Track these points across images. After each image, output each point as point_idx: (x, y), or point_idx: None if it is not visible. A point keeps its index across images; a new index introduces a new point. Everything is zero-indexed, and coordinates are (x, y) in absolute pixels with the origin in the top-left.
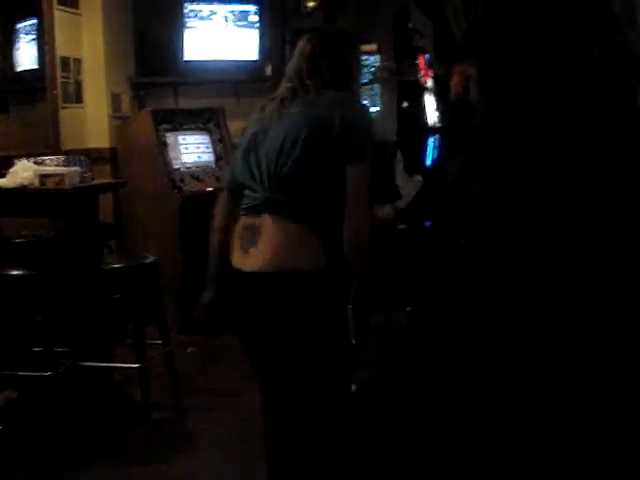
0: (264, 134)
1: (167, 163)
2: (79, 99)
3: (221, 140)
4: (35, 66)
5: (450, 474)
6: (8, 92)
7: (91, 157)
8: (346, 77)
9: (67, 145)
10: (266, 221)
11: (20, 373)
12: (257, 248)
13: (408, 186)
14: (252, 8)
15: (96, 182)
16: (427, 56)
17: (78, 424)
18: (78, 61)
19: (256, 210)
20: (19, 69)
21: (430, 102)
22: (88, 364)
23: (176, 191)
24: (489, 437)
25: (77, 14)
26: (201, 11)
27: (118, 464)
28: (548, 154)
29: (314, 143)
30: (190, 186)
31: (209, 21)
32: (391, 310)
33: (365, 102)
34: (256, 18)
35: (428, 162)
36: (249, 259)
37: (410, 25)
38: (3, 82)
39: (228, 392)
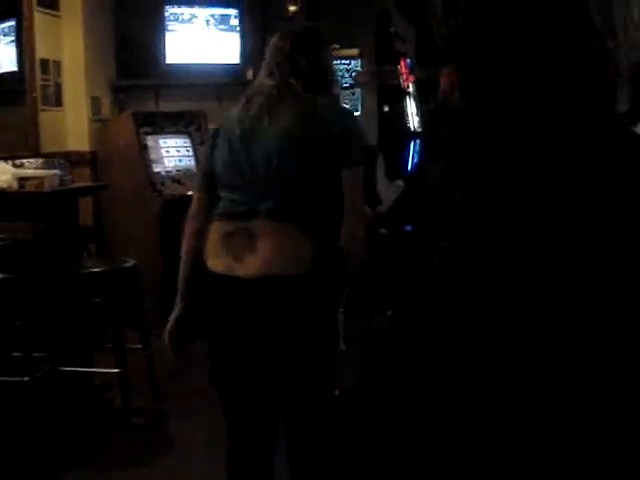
0: (254, 133)
1: (147, 166)
2: (59, 102)
3: (202, 143)
4: (14, 68)
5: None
6: None
7: (71, 160)
8: (326, 76)
9: (47, 148)
10: (265, 226)
11: None
12: (257, 253)
13: (389, 191)
14: (233, 12)
15: (76, 185)
16: (408, 60)
17: (57, 430)
18: (58, 63)
19: (248, 215)
20: None
21: (411, 107)
22: (67, 369)
23: (157, 194)
24: (471, 439)
25: (57, 16)
26: (182, 14)
27: (99, 469)
28: (527, 159)
29: (313, 147)
30: (171, 189)
31: (190, 24)
32: (372, 314)
33: (346, 106)
34: (237, 22)
35: (409, 167)
36: (246, 265)
37: (392, 30)
38: None
39: (209, 396)
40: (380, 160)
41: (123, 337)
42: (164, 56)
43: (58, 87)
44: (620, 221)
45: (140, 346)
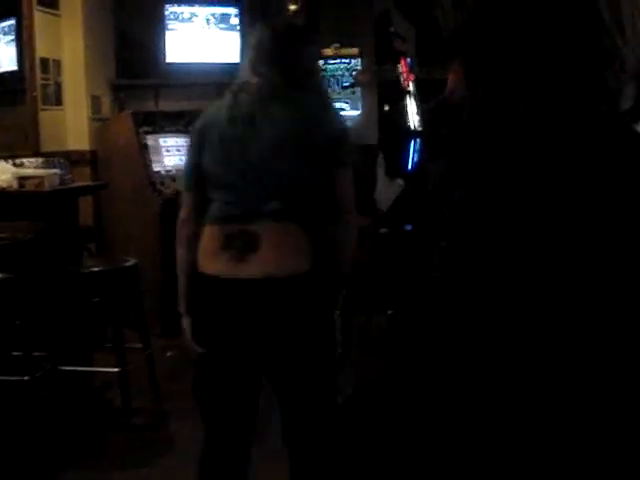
0: (249, 134)
1: (147, 166)
2: (59, 101)
3: None
4: (14, 67)
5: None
6: None
7: (71, 159)
8: (310, 74)
9: (47, 147)
10: (269, 227)
11: None
12: (261, 254)
13: (389, 190)
14: (233, 11)
15: (76, 185)
16: (409, 60)
17: (57, 429)
18: (58, 63)
19: (248, 216)
20: None
21: (411, 106)
22: (67, 368)
23: (157, 194)
24: (471, 439)
25: (57, 15)
26: (182, 13)
27: (99, 469)
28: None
29: (309, 148)
30: (171, 189)
31: (190, 23)
32: (372, 313)
33: (346, 105)
34: (237, 21)
35: (409, 166)
36: (249, 267)
37: (392, 29)
38: None
39: None
40: (380, 159)
41: (123, 337)
42: (164, 55)
43: (58, 86)
44: (621, 221)
45: (140, 346)
